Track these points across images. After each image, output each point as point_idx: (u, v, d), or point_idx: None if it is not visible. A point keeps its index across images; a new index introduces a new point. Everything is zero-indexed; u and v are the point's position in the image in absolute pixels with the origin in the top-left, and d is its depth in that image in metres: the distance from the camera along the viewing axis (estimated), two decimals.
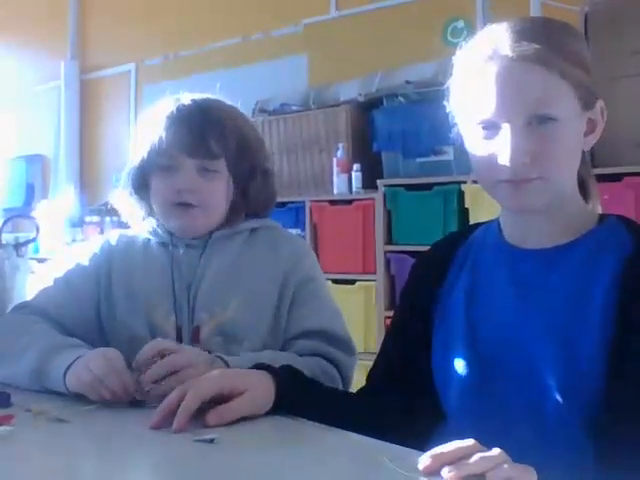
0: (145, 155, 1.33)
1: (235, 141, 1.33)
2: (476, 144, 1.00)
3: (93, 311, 1.36)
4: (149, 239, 1.39)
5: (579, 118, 0.98)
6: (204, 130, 1.30)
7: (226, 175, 1.34)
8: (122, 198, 1.41)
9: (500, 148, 0.96)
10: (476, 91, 0.98)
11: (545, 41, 0.94)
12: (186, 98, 1.35)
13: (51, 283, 1.38)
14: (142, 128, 1.38)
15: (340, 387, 1.29)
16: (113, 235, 1.44)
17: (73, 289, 1.36)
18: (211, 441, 0.89)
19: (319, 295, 1.37)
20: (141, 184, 1.38)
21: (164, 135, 1.30)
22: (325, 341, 1.31)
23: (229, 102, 1.40)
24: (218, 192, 1.33)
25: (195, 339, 1.30)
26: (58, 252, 3.92)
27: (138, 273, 1.36)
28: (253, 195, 1.38)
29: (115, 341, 1.35)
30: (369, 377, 1.21)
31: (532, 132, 0.95)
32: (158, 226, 1.39)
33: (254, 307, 1.32)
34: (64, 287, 1.36)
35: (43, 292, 1.37)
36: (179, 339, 1.31)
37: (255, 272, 1.34)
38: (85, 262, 1.40)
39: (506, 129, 0.95)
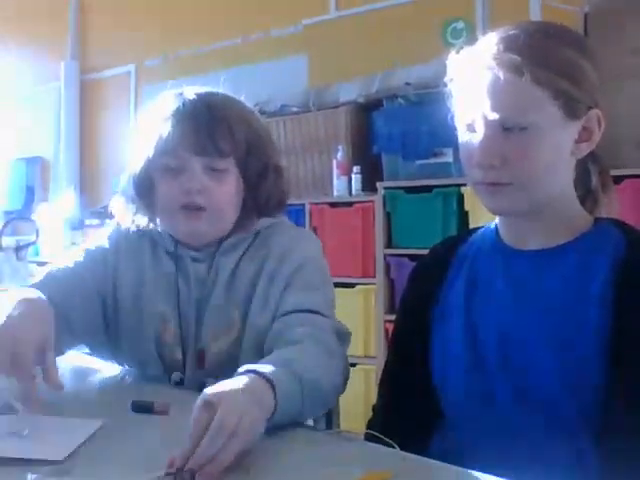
0: (150, 156, 1.26)
1: (244, 137, 1.25)
2: (461, 146, 1.05)
3: (99, 308, 1.30)
4: (154, 240, 1.33)
5: (562, 127, 0.99)
6: (211, 127, 1.22)
7: (236, 174, 1.27)
8: (122, 204, 1.33)
9: (474, 151, 1.01)
10: (462, 96, 1.04)
11: (529, 52, 0.97)
12: (189, 92, 1.27)
13: (57, 269, 1.30)
14: (144, 127, 1.30)
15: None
16: (119, 228, 1.36)
17: (81, 281, 1.29)
18: None
19: (306, 281, 1.25)
20: (145, 189, 1.29)
21: (169, 133, 1.22)
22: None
23: (233, 96, 1.33)
24: (228, 193, 1.26)
25: (200, 363, 1.25)
26: (58, 255, 3.92)
27: (147, 281, 1.30)
28: (264, 195, 1.30)
29: (121, 352, 1.32)
30: (380, 389, 1.21)
31: (507, 138, 0.98)
32: (162, 232, 1.32)
33: (255, 325, 1.24)
34: (71, 277, 1.28)
35: (49, 278, 1.27)
36: (184, 361, 1.26)
37: (250, 282, 1.27)
38: (94, 254, 1.33)
39: (480, 133, 1.00)
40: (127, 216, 1.34)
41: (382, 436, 0.91)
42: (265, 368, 0.96)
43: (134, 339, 1.29)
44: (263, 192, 1.30)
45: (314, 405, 1.03)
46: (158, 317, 1.28)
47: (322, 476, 0.82)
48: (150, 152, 1.26)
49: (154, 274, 1.31)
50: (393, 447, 0.89)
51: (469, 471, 0.84)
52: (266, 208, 1.32)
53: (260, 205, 1.31)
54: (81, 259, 1.32)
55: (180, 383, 1.27)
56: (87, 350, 1.39)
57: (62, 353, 1.28)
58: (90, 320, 1.29)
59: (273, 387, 0.93)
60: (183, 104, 1.24)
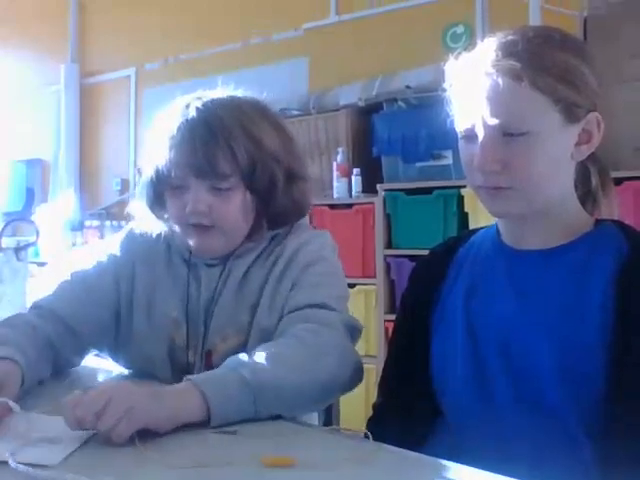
0: (153, 174, 1.26)
1: (247, 153, 1.21)
2: (461, 151, 1.06)
3: (111, 316, 1.30)
4: (169, 245, 1.32)
5: (562, 131, 1.00)
6: (210, 149, 1.19)
7: (242, 190, 1.23)
8: (140, 209, 1.33)
9: (475, 155, 1.01)
10: (461, 102, 1.04)
11: (527, 57, 0.97)
12: (193, 107, 1.22)
13: (68, 279, 1.31)
14: (150, 140, 1.28)
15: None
16: (132, 233, 1.36)
17: (91, 291, 1.29)
18: (233, 432, 0.94)
19: (313, 278, 1.24)
20: (156, 199, 1.29)
21: (169, 157, 1.21)
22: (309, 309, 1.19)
23: (247, 97, 1.28)
24: (234, 210, 1.23)
25: (208, 363, 1.24)
26: (58, 256, 3.92)
27: (161, 286, 1.30)
28: (275, 204, 1.26)
29: (130, 355, 1.31)
30: (380, 388, 1.22)
31: (507, 143, 0.99)
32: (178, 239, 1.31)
33: (261, 325, 1.23)
34: (81, 287, 1.29)
35: (59, 290, 1.29)
36: (193, 363, 1.26)
37: (259, 286, 1.26)
38: (105, 262, 1.32)
39: (480, 138, 1.00)
40: (146, 220, 1.33)
41: (370, 434, 0.92)
42: (201, 376, 1.01)
43: (145, 343, 1.28)
44: (274, 202, 1.26)
45: (273, 405, 1.02)
46: (171, 321, 1.28)
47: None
48: (153, 170, 1.26)
49: (168, 279, 1.30)
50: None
51: (443, 462, 0.85)
52: (280, 217, 1.29)
53: (273, 215, 1.28)
54: (92, 273, 1.32)
55: None
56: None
57: (75, 365, 1.31)
58: (100, 330, 1.30)
59: (202, 392, 0.96)
60: (180, 127, 1.21)
